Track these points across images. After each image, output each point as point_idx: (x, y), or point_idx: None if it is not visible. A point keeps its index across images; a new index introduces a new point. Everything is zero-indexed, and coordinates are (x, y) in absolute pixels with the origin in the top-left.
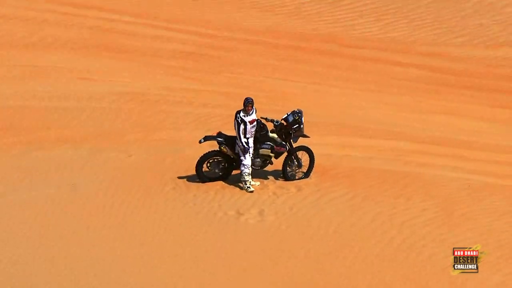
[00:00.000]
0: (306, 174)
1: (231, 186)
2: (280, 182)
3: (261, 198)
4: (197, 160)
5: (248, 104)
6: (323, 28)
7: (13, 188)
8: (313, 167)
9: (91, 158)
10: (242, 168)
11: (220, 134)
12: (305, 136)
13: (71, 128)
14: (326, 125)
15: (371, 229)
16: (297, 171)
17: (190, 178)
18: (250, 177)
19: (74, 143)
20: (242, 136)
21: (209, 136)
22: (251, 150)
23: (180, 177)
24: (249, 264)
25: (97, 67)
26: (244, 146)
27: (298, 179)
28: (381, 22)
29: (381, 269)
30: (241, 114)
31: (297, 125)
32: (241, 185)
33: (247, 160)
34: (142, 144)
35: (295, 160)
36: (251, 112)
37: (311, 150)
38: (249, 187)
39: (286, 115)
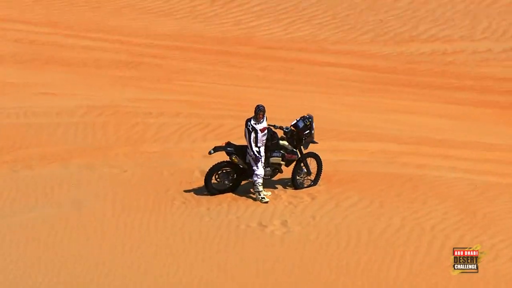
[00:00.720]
0: (315, 182)
1: (243, 197)
2: (291, 191)
3: (278, 208)
4: (206, 172)
5: (259, 112)
6: (230, 31)
7: (12, 210)
8: (321, 174)
9: (85, 175)
10: (255, 178)
11: (229, 144)
12: (314, 142)
13: (52, 145)
14: None
15: (403, 235)
16: (305, 178)
17: (196, 191)
18: (263, 187)
19: (61, 160)
20: (253, 145)
21: (219, 146)
22: (262, 159)
23: (185, 191)
24: (289, 278)
25: (49, 81)
26: (256, 155)
27: (306, 187)
28: (282, 22)
29: (432, 277)
30: (252, 122)
31: (308, 131)
32: (254, 196)
33: (260, 170)
34: (132, 158)
35: (303, 168)
36: (261, 120)
37: (319, 157)
38: (264, 198)
39: (296, 121)
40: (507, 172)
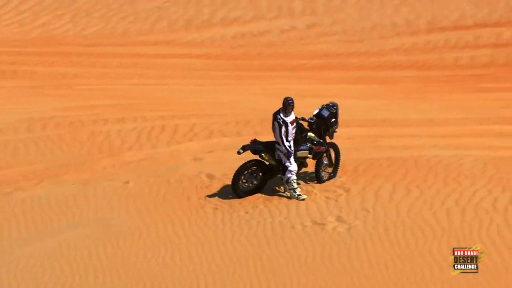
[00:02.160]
0: (334, 173)
1: (274, 196)
2: (317, 185)
3: (320, 204)
4: (233, 175)
5: (288, 105)
6: (23, 32)
7: (32, 236)
8: (339, 164)
9: (87, 191)
10: (289, 175)
11: (256, 141)
12: (335, 131)
13: (25, 164)
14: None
15: (473, 219)
16: (325, 170)
17: (220, 195)
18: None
19: (48, 179)
20: (284, 139)
21: (247, 145)
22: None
23: (208, 196)
24: (386, 274)
25: None
26: (287, 150)
27: (327, 179)
28: (63, 19)
29: None
30: (282, 115)
31: (334, 119)
32: (288, 194)
33: (293, 165)
34: (123, 169)
35: (324, 160)
36: (290, 113)
37: (337, 146)
38: (300, 195)
39: (318, 110)
40: (495, 144)
